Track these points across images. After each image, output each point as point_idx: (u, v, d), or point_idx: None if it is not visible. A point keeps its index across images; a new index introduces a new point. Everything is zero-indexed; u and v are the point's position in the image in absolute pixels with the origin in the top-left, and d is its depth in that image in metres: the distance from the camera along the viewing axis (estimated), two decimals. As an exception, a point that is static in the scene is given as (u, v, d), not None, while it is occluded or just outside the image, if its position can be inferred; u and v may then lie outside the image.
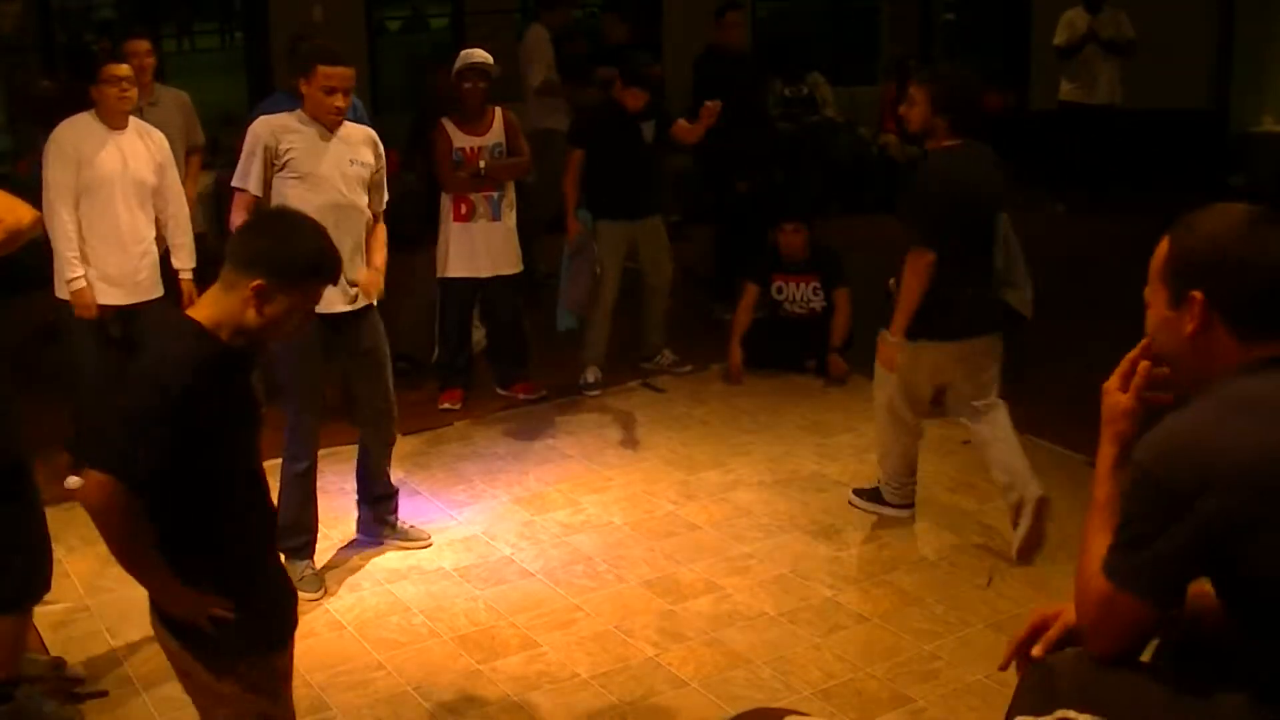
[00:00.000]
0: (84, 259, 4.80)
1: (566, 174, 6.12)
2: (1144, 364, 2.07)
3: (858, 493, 4.88)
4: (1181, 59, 9.82)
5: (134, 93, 4.92)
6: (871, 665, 3.74)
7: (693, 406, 6.02)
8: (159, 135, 5.05)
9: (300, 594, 4.13)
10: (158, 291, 5.05)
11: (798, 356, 6.43)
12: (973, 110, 4.38)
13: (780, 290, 6.45)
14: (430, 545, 4.62)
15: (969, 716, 3.49)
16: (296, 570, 4.22)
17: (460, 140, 5.77)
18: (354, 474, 4.64)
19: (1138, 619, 1.90)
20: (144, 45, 5.65)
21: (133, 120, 4.96)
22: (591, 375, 6.24)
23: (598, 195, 6.10)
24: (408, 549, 4.59)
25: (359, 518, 4.69)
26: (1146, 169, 9.48)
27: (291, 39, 5.74)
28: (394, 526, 4.64)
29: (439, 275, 5.89)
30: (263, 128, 4.22)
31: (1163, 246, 2.00)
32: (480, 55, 5.77)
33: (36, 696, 3.46)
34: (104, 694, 3.63)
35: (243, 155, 4.24)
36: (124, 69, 4.87)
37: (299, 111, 4.26)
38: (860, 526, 4.69)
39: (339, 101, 4.18)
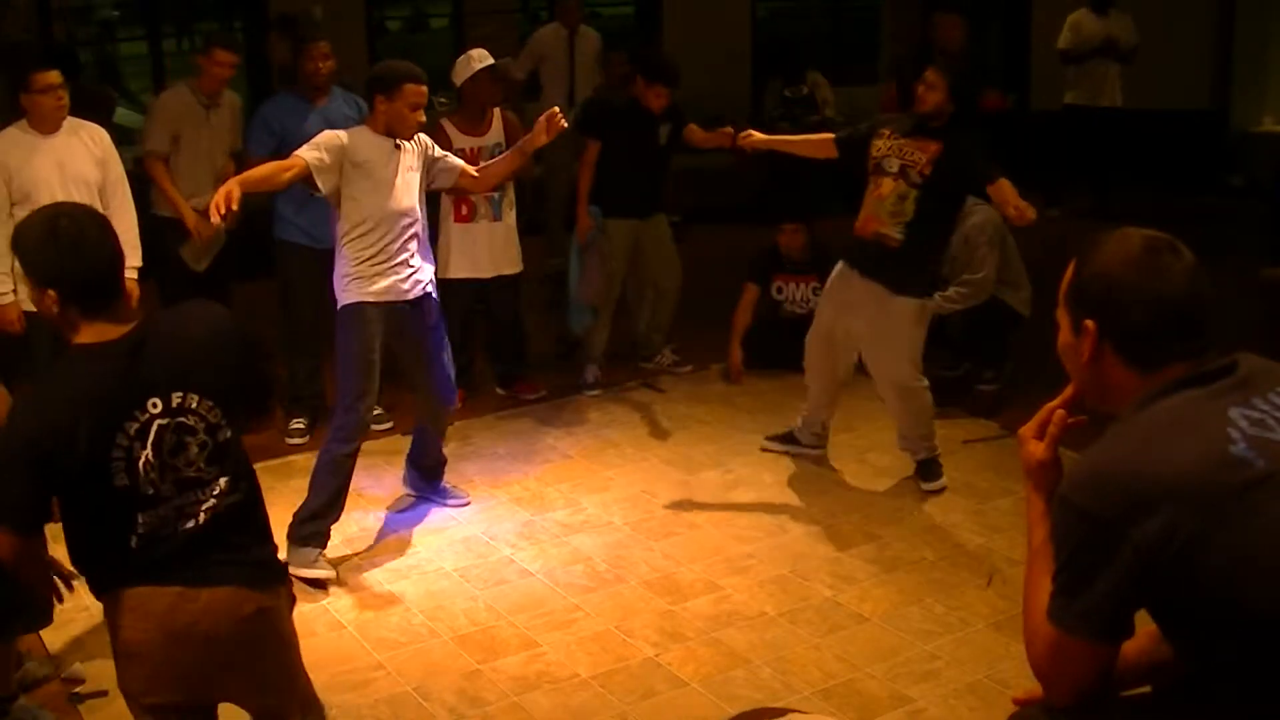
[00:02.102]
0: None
1: (581, 167, 6.12)
2: (1059, 414, 2.07)
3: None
4: (1181, 59, 9.82)
5: (68, 99, 4.85)
6: (871, 665, 3.74)
7: (693, 406, 6.02)
8: (97, 130, 4.99)
9: (310, 573, 4.31)
10: None
11: (798, 356, 6.40)
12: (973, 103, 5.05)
13: (780, 290, 6.45)
14: (469, 504, 4.94)
15: (969, 716, 3.49)
16: (309, 556, 4.34)
17: (460, 141, 5.76)
18: (358, 473, 4.67)
19: (1092, 661, 1.87)
20: (230, 57, 5.62)
21: (66, 120, 4.88)
22: (591, 375, 6.24)
23: (608, 192, 6.10)
24: (448, 507, 4.91)
25: (405, 475, 5.02)
26: (1147, 169, 9.47)
27: (295, 39, 5.73)
28: (438, 488, 4.96)
29: (440, 276, 5.87)
30: (345, 136, 4.37)
31: (1069, 268, 2.00)
32: (490, 56, 5.79)
33: (33, 709, 3.46)
34: (104, 694, 3.63)
35: (320, 139, 4.37)
36: (55, 76, 4.79)
37: (366, 125, 4.45)
38: (860, 526, 4.69)
39: (421, 117, 4.43)
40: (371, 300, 4.39)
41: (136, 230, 5.09)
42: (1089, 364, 1.95)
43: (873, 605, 4.11)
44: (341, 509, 4.48)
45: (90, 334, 2.47)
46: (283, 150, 5.46)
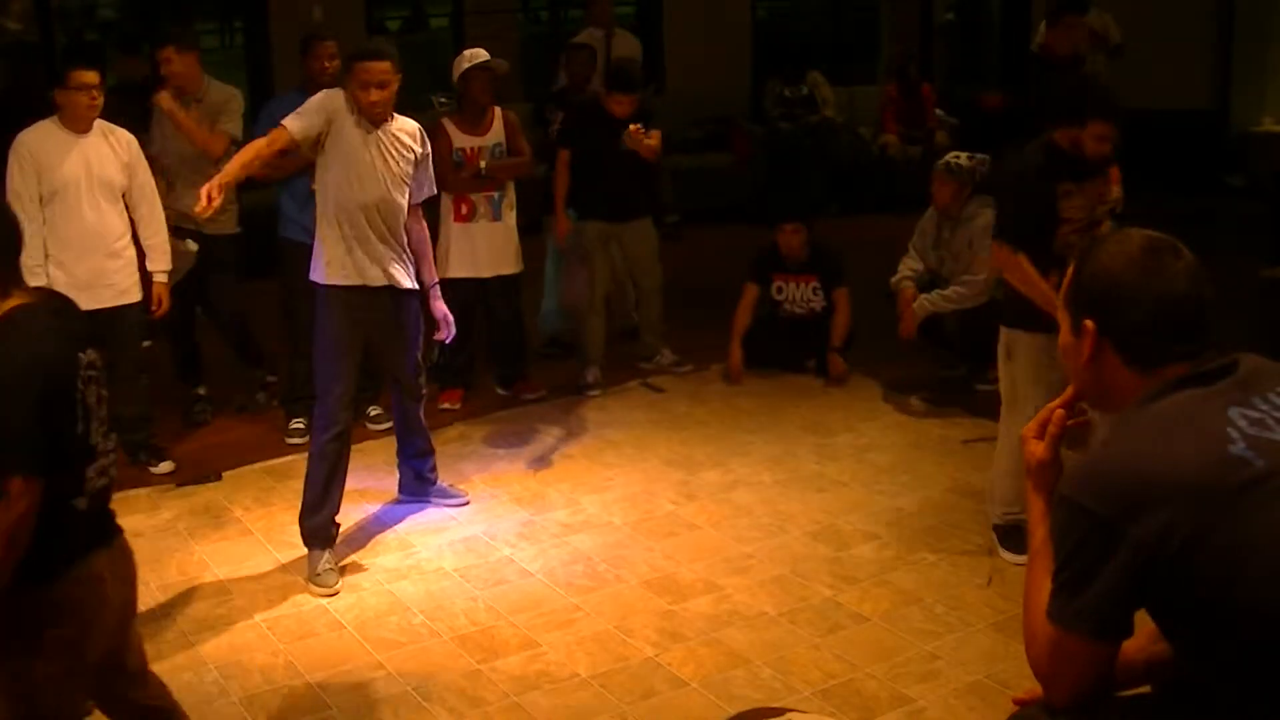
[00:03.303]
0: (56, 264, 4.80)
1: (555, 174, 6.14)
2: (1059, 414, 2.08)
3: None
4: (1181, 59, 9.82)
5: (101, 99, 4.87)
6: (871, 665, 3.74)
7: (693, 406, 6.02)
8: (125, 134, 5.02)
9: (316, 589, 4.27)
10: (135, 295, 5.04)
11: (798, 356, 6.43)
12: None
13: (780, 290, 6.45)
14: (468, 504, 4.92)
15: (969, 716, 3.49)
16: (315, 563, 4.33)
17: (460, 140, 5.77)
18: (358, 473, 4.69)
19: (1091, 660, 1.87)
20: (170, 53, 5.60)
21: (97, 122, 4.91)
22: (591, 375, 6.25)
23: (581, 195, 6.14)
24: (447, 507, 4.89)
25: (400, 480, 4.97)
26: (1146, 169, 9.46)
27: (303, 38, 5.73)
28: (434, 483, 4.93)
29: (439, 276, 5.87)
30: (337, 97, 4.30)
31: (1069, 271, 2.01)
32: (485, 54, 5.79)
33: None
34: (104, 694, 3.63)
35: (307, 105, 4.31)
36: (93, 76, 4.81)
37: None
38: (860, 526, 4.69)
39: (374, 95, 4.25)
40: (345, 284, 4.34)
41: (165, 235, 5.11)
42: (1089, 364, 1.95)
43: (873, 605, 4.11)
44: (338, 500, 4.44)
45: (22, 298, 2.59)
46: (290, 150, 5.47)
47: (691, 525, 4.74)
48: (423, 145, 4.48)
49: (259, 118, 5.73)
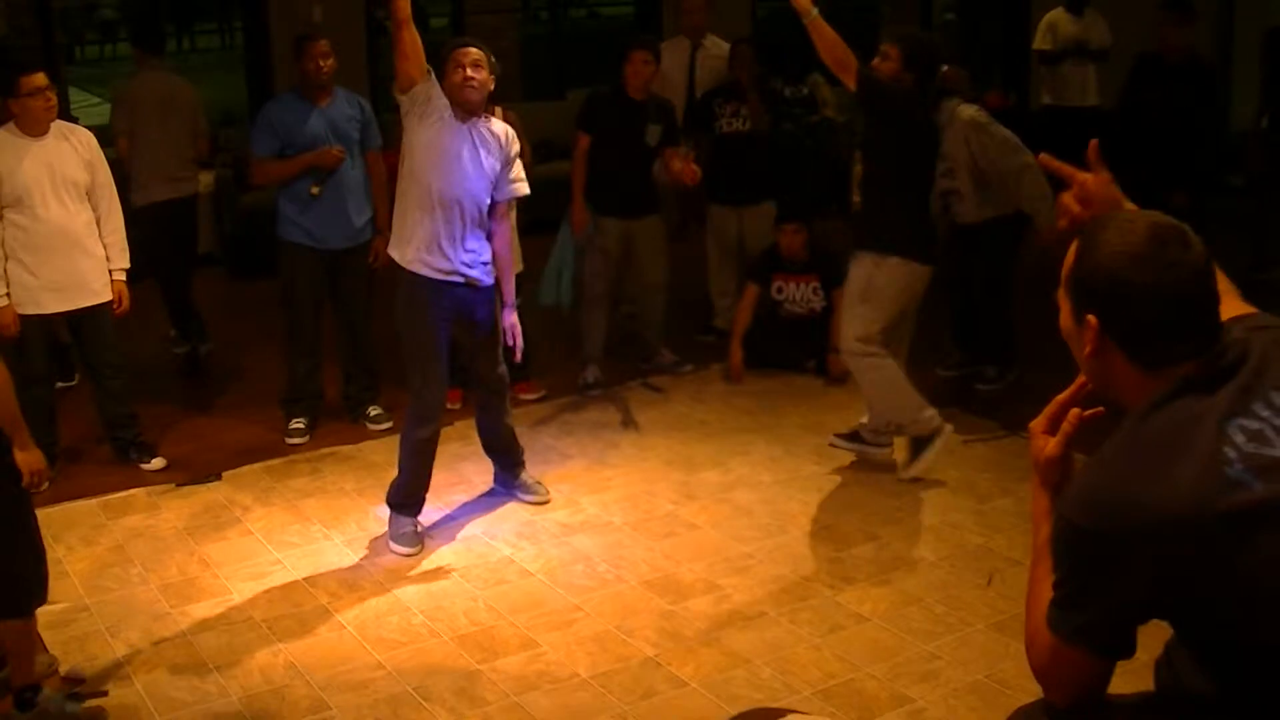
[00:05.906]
0: (22, 268, 4.81)
1: (574, 161, 6.12)
2: (1074, 411, 2.00)
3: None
4: (1181, 59, 9.80)
5: (55, 100, 4.86)
6: (871, 665, 3.74)
7: (693, 406, 6.02)
8: (85, 133, 5.01)
9: (398, 548, 4.47)
10: (109, 294, 5.04)
11: (798, 356, 6.43)
12: (935, 70, 4.97)
13: (780, 290, 6.45)
14: (549, 502, 4.92)
15: (969, 716, 3.49)
16: (401, 527, 4.55)
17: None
18: (359, 473, 4.69)
19: (1090, 671, 1.86)
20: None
21: (55, 123, 4.89)
22: (591, 375, 6.24)
23: (598, 190, 6.11)
24: (529, 504, 4.91)
25: (495, 473, 5.04)
26: (1146, 169, 9.46)
27: (296, 39, 5.72)
28: (515, 483, 4.96)
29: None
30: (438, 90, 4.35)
31: (1071, 252, 1.90)
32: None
33: (59, 699, 3.46)
34: (104, 694, 3.63)
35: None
36: (42, 78, 4.78)
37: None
38: (860, 526, 4.69)
39: (468, 71, 4.35)
40: (429, 275, 4.41)
41: (123, 233, 5.10)
42: (1092, 358, 1.88)
43: (873, 605, 4.11)
44: (430, 477, 4.64)
45: None
46: (286, 150, 5.47)
47: (691, 525, 4.74)
48: (509, 146, 4.55)
49: (257, 121, 5.72)
